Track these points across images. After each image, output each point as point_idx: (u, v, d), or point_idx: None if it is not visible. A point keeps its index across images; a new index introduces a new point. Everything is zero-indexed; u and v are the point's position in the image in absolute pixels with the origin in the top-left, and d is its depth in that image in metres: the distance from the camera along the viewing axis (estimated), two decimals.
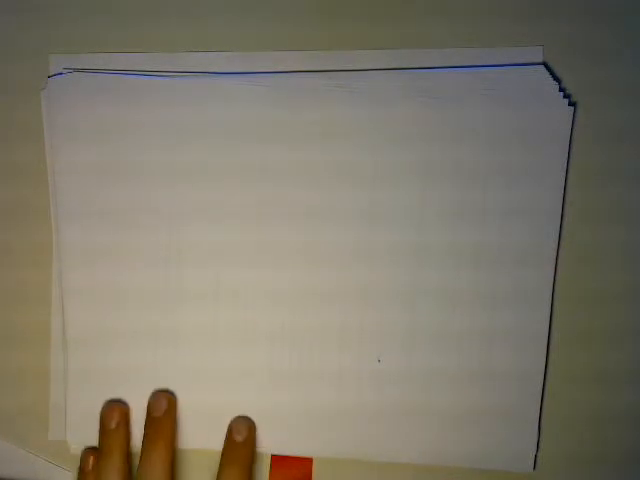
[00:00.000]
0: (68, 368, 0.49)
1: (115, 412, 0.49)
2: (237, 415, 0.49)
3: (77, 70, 0.49)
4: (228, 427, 0.49)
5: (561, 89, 0.49)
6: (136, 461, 0.49)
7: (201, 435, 0.50)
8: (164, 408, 0.49)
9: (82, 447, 0.49)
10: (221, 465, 0.49)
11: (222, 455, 0.49)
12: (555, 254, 0.49)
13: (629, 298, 0.49)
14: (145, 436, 0.49)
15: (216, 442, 0.49)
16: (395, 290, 0.48)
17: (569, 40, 0.49)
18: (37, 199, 0.49)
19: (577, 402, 0.49)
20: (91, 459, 0.50)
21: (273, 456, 0.49)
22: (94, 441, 0.50)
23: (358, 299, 0.48)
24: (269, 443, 0.50)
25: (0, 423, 0.50)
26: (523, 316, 0.48)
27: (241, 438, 0.49)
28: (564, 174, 0.49)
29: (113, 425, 0.49)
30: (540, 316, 0.48)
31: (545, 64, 0.49)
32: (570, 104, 0.48)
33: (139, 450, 0.49)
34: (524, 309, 0.48)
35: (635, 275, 0.49)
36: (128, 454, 0.49)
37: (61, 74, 0.49)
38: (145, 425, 0.49)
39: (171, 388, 0.50)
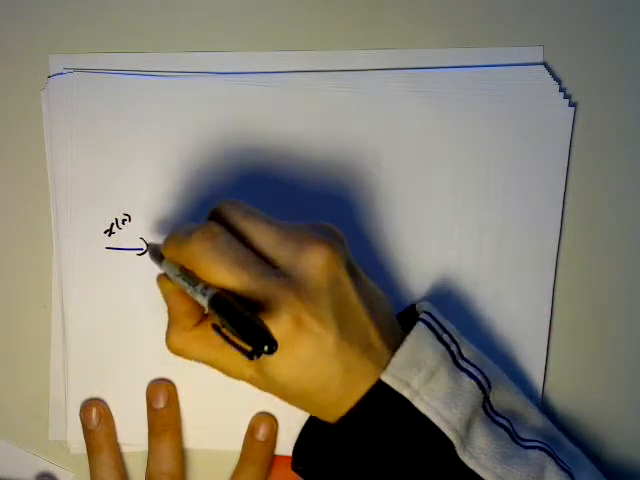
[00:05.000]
0: (68, 368, 0.49)
1: (93, 410, 0.48)
2: (259, 412, 0.49)
3: (77, 70, 0.49)
4: (250, 425, 0.49)
5: (561, 89, 0.49)
6: (133, 460, 0.50)
7: (205, 435, 0.50)
8: (165, 399, 0.48)
9: (82, 447, 0.49)
10: (240, 463, 0.49)
11: (242, 453, 0.49)
12: (556, 249, 0.49)
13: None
14: (150, 429, 0.48)
15: (219, 442, 0.49)
16: None
17: (569, 40, 0.49)
18: (37, 198, 0.49)
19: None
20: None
21: (274, 456, 0.49)
22: None
23: None
24: None
25: (0, 423, 0.50)
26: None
27: (263, 438, 0.49)
28: (564, 174, 0.49)
29: (94, 423, 0.48)
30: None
31: (545, 64, 0.49)
32: (570, 105, 0.49)
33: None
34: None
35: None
36: (117, 447, 0.49)
37: (61, 74, 0.49)
38: (148, 419, 0.49)
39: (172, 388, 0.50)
